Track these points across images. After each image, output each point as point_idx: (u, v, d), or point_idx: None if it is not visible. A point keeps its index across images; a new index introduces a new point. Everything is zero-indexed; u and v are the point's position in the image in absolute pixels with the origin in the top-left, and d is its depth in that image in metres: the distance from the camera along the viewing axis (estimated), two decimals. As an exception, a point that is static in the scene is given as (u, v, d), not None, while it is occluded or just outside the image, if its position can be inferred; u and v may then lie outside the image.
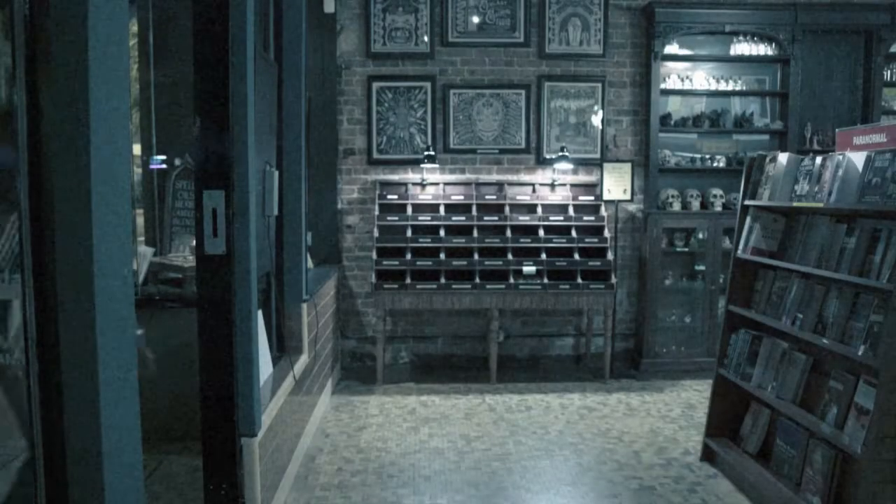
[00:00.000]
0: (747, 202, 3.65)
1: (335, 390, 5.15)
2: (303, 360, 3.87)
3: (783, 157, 3.44)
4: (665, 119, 5.68)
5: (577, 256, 5.31)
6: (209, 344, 2.53)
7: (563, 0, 5.68)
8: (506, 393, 5.02)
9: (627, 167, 5.50)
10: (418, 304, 5.21)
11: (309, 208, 4.39)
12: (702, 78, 5.78)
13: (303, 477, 3.61)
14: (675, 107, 5.83)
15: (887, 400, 2.54)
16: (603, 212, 5.59)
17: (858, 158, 2.86)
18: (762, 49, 5.71)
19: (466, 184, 5.72)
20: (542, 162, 5.75)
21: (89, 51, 1.34)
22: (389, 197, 5.63)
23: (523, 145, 5.75)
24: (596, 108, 5.76)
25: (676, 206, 5.61)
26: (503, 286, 5.18)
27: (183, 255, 4.19)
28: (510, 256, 5.29)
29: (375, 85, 5.67)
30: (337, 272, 5.58)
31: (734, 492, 3.45)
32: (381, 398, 4.96)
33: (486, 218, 5.49)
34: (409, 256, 5.29)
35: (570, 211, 5.59)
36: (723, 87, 5.77)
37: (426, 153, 5.51)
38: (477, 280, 5.17)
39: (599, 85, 5.74)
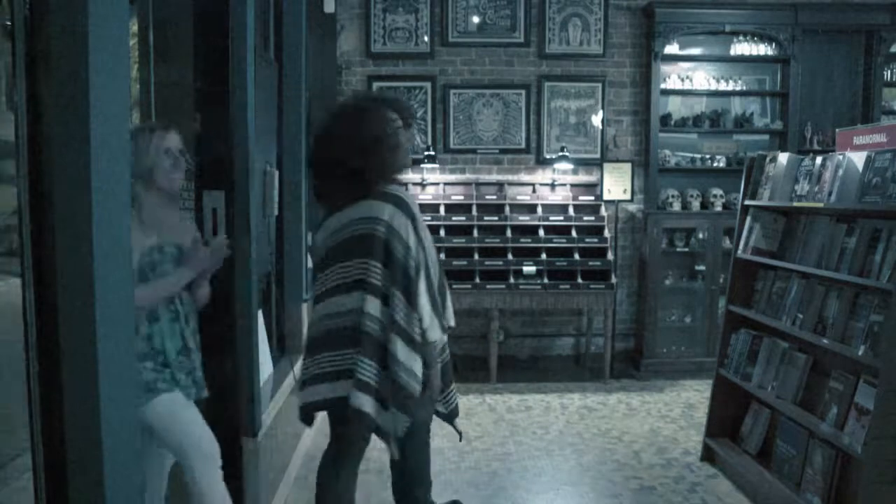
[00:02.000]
0: (747, 202, 3.64)
1: (335, 390, 5.15)
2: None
3: (783, 157, 3.43)
4: (665, 119, 5.68)
5: (577, 256, 5.31)
6: (210, 344, 2.53)
7: (563, 0, 5.68)
8: (506, 393, 5.02)
9: (627, 167, 5.50)
10: (418, 304, 5.20)
11: (309, 208, 4.39)
12: (702, 78, 5.78)
13: (303, 477, 3.61)
14: (675, 107, 5.83)
15: (887, 400, 2.54)
16: (603, 212, 5.58)
17: (858, 158, 2.86)
18: (762, 49, 5.70)
19: (466, 184, 5.72)
20: (542, 162, 5.75)
21: (89, 51, 1.33)
22: (389, 197, 5.62)
23: (523, 145, 5.75)
24: (595, 108, 5.76)
25: (676, 206, 5.61)
26: (503, 286, 5.17)
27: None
28: (510, 256, 5.29)
29: (375, 85, 5.67)
30: (337, 272, 5.57)
31: (734, 492, 3.45)
32: (381, 398, 4.95)
33: (486, 218, 5.49)
34: (409, 256, 5.27)
35: (570, 211, 5.59)
36: (723, 87, 5.78)
37: (426, 153, 5.51)
38: (477, 280, 5.17)
39: (599, 85, 5.74)
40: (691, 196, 5.64)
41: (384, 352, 2.26)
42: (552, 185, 5.74)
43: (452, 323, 2.44)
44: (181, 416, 2.18)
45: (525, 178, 5.78)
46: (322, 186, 2.45)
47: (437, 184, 5.72)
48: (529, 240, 5.38)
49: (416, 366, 2.25)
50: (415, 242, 2.26)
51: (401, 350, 2.23)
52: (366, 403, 2.25)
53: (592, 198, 5.68)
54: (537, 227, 5.47)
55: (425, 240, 2.33)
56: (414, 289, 2.23)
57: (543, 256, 5.28)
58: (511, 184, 5.73)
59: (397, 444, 2.34)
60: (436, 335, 2.27)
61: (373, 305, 2.25)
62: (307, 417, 2.44)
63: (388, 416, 2.30)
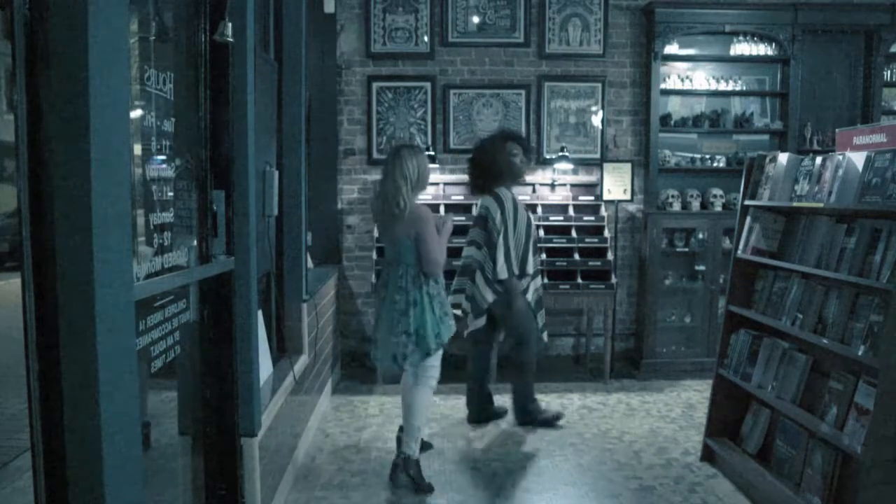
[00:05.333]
0: (747, 202, 3.65)
1: (335, 390, 5.15)
2: (303, 360, 3.87)
3: (783, 157, 3.44)
4: (665, 119, 5.68)
5: (577, 256, 5.31)
6: (209, 344, 2.53)
7: (563, 0, 5.69)
8: (506, 393, 5.00)
9: (627, 167, 5.50)
10: (418, 304, 5.20)
11: (309, 208, 4.39)
12: (702, 78, 5.78)
13: (303, 477, 3.61)
14: (675, 107, 5.83)
15: (887, 400, 2.54)
16: (603, 212, 5.58)
17: (858, 158, 2.86)
18: (762, 49, 5.71)
19: (466, 184, 5.71)
20: (542, 162, 5.75)
21: (89, 51, 1.34)
22: (389, 197, 5.62)
23: (523, 145, 5.74)
24: (595, 108, 5.77)
25: (676, 206, 5.61)
26: (503, 286, 5.17)
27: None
28: (510, 256, 5.28)
29: (375, 85, 5.67)
30: (337, 272, 5.58)
31: (734, 492, 3.45)
32: (381, 398, 4.95)
33: (486, 218, 5.48)
34: (409, 256, 5.28)
35: (570, 211, 5.59)
36: (723, 87, 5.78)
37: (426, 153, 5.50)
38: (477, 280, 5.17)
39: (599, 85, 5.74)
40: (691, 196, 5.64)
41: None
42: (552, 185, 5.74)
43: (530, 270, 4.28)
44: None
45: (525, 178, 5.77)
46: (473, 183, 4.44)
47: (437, 184, 5.72)
48: (529, 240, 5.38)
49: (487, 292, 4.19)
50: (500, 221, 4.14)
51: (478, 278, 4.20)
52: (465, 305, 4.29)
53: (592, 198, 5.68)
54: (537, 227, 5.46)
55: (518, 220, 4.20)
56: (493, 247, 4.14)
57: (543, 256, 5.27)
58: (511, 184, 5.72)
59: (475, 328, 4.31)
60: (503, 275, 4.13)
61: (475, 252, 4.24)
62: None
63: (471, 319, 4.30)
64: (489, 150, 4.31)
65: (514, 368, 4.40)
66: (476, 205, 4.50)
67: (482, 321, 4.25)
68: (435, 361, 3.55)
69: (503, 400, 4.67)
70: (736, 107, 5.86)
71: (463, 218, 5.46)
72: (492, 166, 4.25)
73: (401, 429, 3.73)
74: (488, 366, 4.53)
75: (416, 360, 3.50)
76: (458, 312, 4.25)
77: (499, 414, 4.52)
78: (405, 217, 3.47)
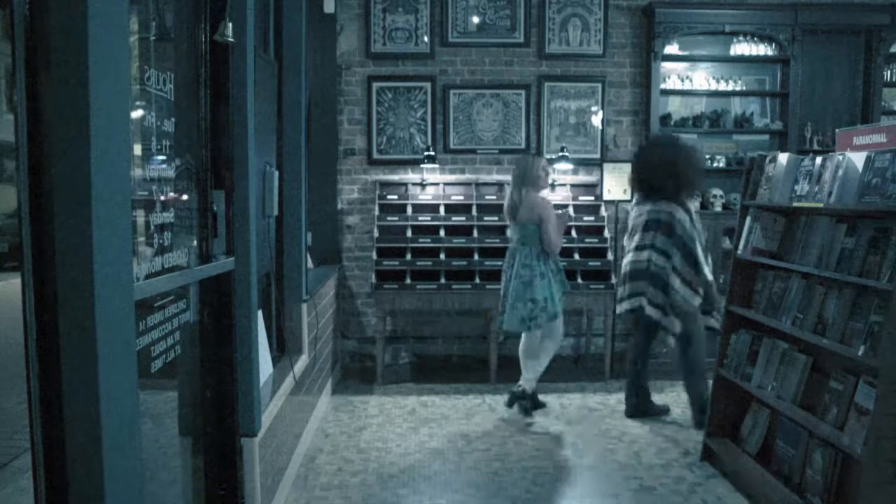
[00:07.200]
0: (747, 202, 3.65)
1: (335, 390, 5.15)
2: (303, 360, 3.87)
3: (783, 158, 3.43)
4: (665, 119, 5.68)
5: (577, 257, 5.31)
6: (209, 344, 2.53)
7: (563, 0, 5.69)
8: (506, 393, 4.99)
9: (628, 167, 5.48)
10: (418, 305, 5.21)
11: (309, 208, 4.39)
12: (702, 78, 5.79)
13: (303, 477, 3.61)
14: (675, 107, 5.83)
15: (887, 400, 2.53)
16: (603, 212, 5.58)
17: (858, 158, 2.86)
18: (762, 49, 5.71)
19: (466, 184, 5.72)
20: (542, 162, 5.75)
21: (89, 51, 1.34)
22: (389, 197, 5.63)
23: (523, 145, 5.75)
24: (595, 108, 5.77)
25: (676, 207, 5.60)
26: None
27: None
28: (510, 256, 5.28)
29: (375, 85, 5.67)
30: (337, 272, 5.58)
31: (734, 492, 3.45)
32: (381, 398, 4.96)
33: (486, 218, 5.49)
34: (409, 256, 5.28)
35: (570, 211, 5.59)
36: (723, 87, 5.78)
37: (426, 153, 5.51)
38: (477, 280, 5.17)
39: (599, 85, 5.75)
40: (691, 196, 5.63)
41: (666, 284, 4.23)
42: (552, 186, 5.74)
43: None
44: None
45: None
46: (646, 183, 4.39)
47: (437, 184, 5.72)
48: (529, 240, 5.37)
49: (688, 293, 4.21)
50: (690, 226, 4.21)
51: (678, 284, 4.20)
52: (653, 313, 4.30)
53: (592, 198, 5.68)
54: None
55: (698, 228, 4.28)
56: (691, 250, 4.20)
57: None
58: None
59: (676, 339, 4.33)
60: (710, 276, 4.26)
61: (658, 258, 4.27)
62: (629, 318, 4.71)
63: (668, 320, 4.28)
64: (684, 157, 4.32)
65: (684, 370, 4.40)
66: (631, 208, 4.51)
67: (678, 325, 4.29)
68: (560, 322, 4.51)
69: (499, 400, 4.67)
70: (736, 107, 5.86)
71: (463, 218, 5.48)
72: (686, 175, 4.27)
73: (515, 396, 4.53)
74: (646, 362, 4.59)
75: (543, 322, 4.37)
76: (653, 315, 4.27)
77: (662, 410, 4.61)
78: (526, 206, 4.35)
